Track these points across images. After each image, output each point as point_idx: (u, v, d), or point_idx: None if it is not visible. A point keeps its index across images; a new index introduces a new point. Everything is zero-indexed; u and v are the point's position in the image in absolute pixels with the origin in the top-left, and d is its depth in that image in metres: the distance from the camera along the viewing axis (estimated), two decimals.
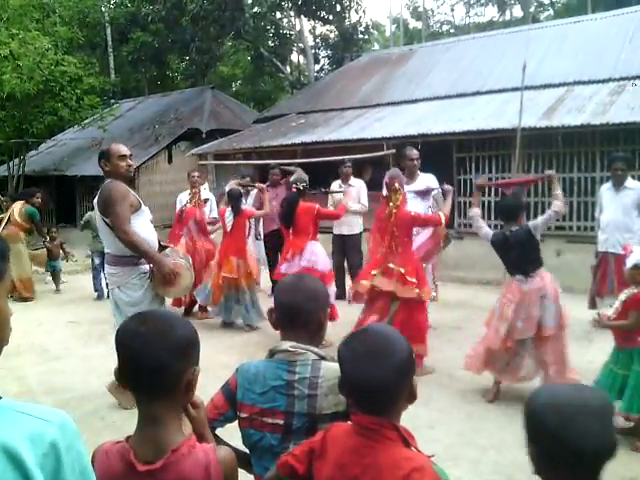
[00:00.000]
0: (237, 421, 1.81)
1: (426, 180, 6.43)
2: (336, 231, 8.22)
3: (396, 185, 4.97)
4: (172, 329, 1.39)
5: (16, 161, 16.16)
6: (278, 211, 6.65)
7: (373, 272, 5.09)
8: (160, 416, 1.36)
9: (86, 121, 17.09)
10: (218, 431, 1.81)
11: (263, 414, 1.73)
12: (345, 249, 8.15)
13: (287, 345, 1.74)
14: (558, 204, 4.60)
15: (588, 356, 5.27)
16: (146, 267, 4.02)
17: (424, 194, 6.11)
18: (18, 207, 9.04)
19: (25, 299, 8.74)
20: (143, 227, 4.01)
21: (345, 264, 8.24)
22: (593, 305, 6.52)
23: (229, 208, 6.87)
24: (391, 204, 4.96)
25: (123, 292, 3.99)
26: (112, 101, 20.99)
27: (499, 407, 4.36)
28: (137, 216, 3.99)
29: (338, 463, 1.43)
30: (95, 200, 3.99)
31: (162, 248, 4.32)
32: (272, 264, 7.81)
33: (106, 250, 4.12)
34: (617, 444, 1.23)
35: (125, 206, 3.87)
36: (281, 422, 1.71)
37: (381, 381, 1.39)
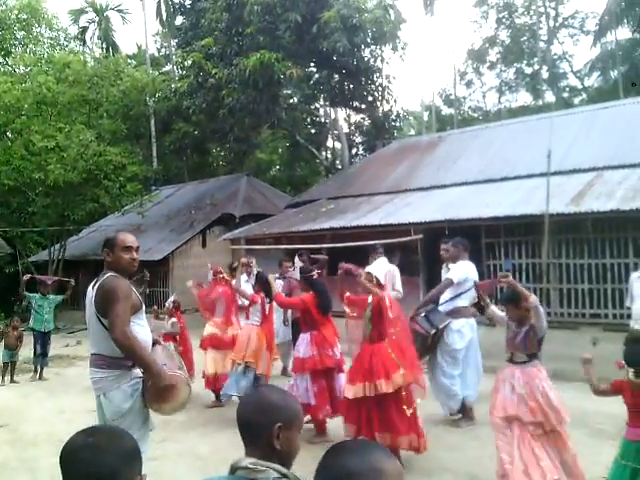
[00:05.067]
0: None
1: (455, 268, 6.31)
2: None
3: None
4: (119, 437, 1.42)
5: (57, 246, 16.78)
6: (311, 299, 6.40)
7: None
8: None
9: (126, 207, 17.81)
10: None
11: None
12: None
13: (247, 461, 1.67)
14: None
15: None
16: (139, 372, 3.51)
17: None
18: None
19: None
20: (141, 328, 3.57)
21: None
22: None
23: (262, 293, 6.81)
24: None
25: (107, 399, 3.42)
26: (153, 188, 21.89)
27: None
28: (137, 317, 3.55)
29: None
30: (90, 295, 3.53)
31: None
32: None
33: (94, 350, 3.55)
34: None
35: (127, 306, 3.43)
36: None
37: None
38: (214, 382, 7.27)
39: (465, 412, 6.29)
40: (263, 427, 1.70)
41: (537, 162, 11.41)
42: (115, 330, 3.31)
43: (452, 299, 6.22)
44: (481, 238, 10.25)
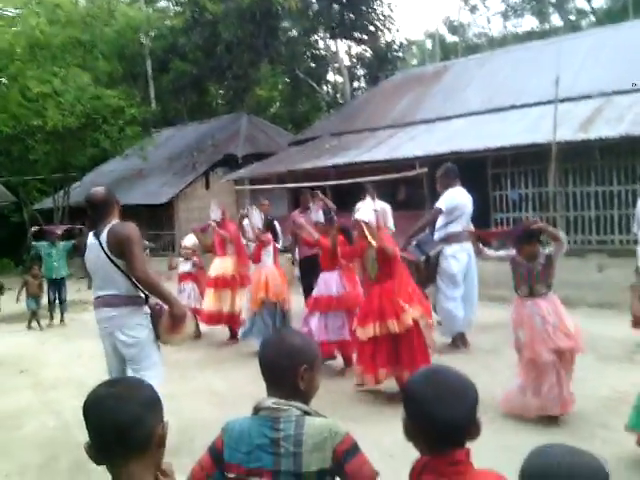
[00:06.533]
0: None
1: (443, 196, 6.37)
2: None
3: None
4: (139, 386, 1.47)
5: (61, 193, 16.75)
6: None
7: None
8: (138, 477, 1.36)
9: (127, 151, 17.64)
10: None
11: (250, 474, 1.70)
12: None
13: (270, 402, 1.72)
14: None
15: (631, 378, 5.01)
16: (147, 309, 3.90)
17: None
18: None
19: None
20: None
21: None
22: (637, 324, 6.23)
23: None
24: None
25: (125, 334, 3.79)
26: (153, 130, 21.60)
27: (535, 437, 4.16)
28: None
29: None
30: (95, 243, 3.79)
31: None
32: (306, 290, 7.70)
33: (105, 292, 3.85)
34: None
35: (142, 248, 3.88)
36: None
37: (466, 416, 1.50)
38: (218, 318, 7.40)
39: (457, 338, 6.41)
40: (289, 369, 1.75)
41: (545, 89, 11.10)
42: (137, 269, 3.67)
43: (444, 226, 6.29)
44: (487, 169, 10.15)
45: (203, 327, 7.83)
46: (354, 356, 5.43)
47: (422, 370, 1.68)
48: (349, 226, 5.80)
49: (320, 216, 6.17)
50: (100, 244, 3.76)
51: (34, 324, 9.47)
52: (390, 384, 5.09)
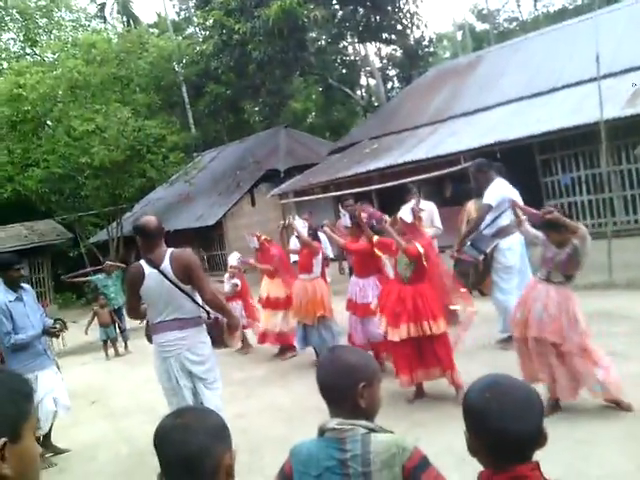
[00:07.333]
0: None
1: (489, 192, 6.22)
2: None
3: None
4: (206, 416, 1.47)
5: (114, 224, 17.25)
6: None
7: None
8: None
9: (172, 177, 18.04)
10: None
11: None
12: None
13: (334, 423, 1.69)
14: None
15: None
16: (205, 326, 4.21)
17: None
18: None
19: None
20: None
21: None
22: None
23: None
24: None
25: (193, 353, 4.00)
26: (195, 154, 22.04)
27: (608, 431, 3.98)
28: None
29: None
30: (153, 272, 3.86)
31: None
32: None
33: (171, 316, 3.95)
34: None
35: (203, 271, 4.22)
36: None
37: (533, 429, 1.43)
38: (272, 338, 7.43)
39: None
40: (347, 389, 1.71)
41: (585, 67, 10.78)
42: (207, 292, 3.96)
43: (493, 221, 6.12)
44: (535, 155, 9.88)
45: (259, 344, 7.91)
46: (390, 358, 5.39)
47: (482, 381, 1.55)
48: (376, 224, 5.79)
49: (347, 221, 6.20)
50: (161, 272, 3.83)
51: (110, 351, 9.68)
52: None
